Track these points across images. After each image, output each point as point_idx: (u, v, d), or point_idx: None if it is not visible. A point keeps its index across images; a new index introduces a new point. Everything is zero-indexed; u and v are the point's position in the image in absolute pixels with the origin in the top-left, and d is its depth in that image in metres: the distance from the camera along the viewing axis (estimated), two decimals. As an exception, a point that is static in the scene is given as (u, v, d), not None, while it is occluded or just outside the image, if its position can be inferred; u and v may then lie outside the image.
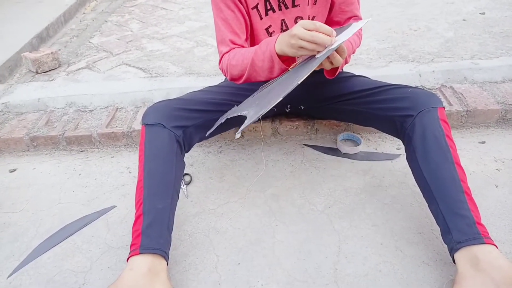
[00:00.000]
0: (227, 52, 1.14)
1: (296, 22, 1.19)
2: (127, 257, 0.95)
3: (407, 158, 1.10)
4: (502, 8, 2.34)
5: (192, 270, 1.04)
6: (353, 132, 1.50)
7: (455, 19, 2.24)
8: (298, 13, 1.18)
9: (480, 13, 2.30)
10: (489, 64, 1.70)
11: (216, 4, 1.13)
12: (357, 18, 1.23)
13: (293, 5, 1.16)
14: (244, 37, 1.17)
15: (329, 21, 1.25)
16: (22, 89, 1.86)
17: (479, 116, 1.49)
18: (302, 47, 0.92)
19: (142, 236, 0.96)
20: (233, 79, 1.15)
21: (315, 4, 1.18)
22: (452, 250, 0.92)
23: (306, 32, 0.89)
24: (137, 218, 0.99)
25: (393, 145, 1.46)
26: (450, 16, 2.29)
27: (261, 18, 1.16)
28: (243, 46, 1.15)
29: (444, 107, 1.07)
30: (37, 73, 2.02)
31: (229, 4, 1.11)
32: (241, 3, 1.13)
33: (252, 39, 1.23)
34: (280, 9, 1.16)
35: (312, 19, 1.20)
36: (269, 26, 1.19)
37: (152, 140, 1.07)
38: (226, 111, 1.24)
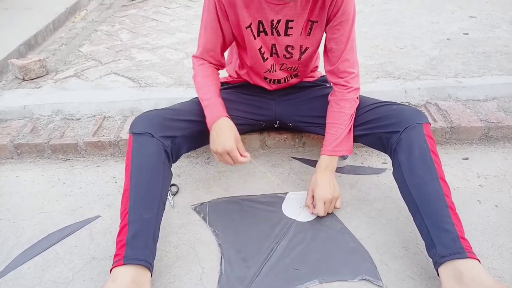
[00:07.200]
0: (197, 57, 1.25)
1: (286, 50, 1.20)
2: (111, 268, 0.94)
3: (393, 173, 1.11)
4: (485, 30, 2.41)
5: (177, 282, 1.02)
6: (340, 146, 1.52)
7: (439, 39, 2.31)
8: (289, 42, 1.19)
9: (463, 34, 2.37)
10: (472, 83, 1.75)
11: (204, 10, 1.18)
12: (348, 63, 1.20)
13: (286, 34, 1.17)
14: (219, 49, 1.22)
15: (325, 58, 1.24)
16: (7, 95, 1.84)
17: (463, 133, 1.53)
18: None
19: (127, 247, 0.94)
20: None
21: (308, 35, 1.18)
22: (436, 264, 0.93)
23: (220, 158, 1.14)
24: (122, 228, 0.97)
25: (380, 160, 1.48)
26: (435, 36, 2.36)
27: (255, 38, 1.17)
28: (213, 57, 1.24)
29: (429, 123, 1.10)
30: (23, 80, 1.99)
31: (214, 18, 1.15)
32: (229, 21, 1.15)
33: (245, 54, 1.24)
34: (272, 34, 1.17)
35: (305, 50, 1.21)
36: (261, 47, 1.20)
37: (139, 149, 1.06)
38: None
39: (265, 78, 1.30)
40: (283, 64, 1.25)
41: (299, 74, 1.32)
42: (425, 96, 1.71)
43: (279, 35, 1.17)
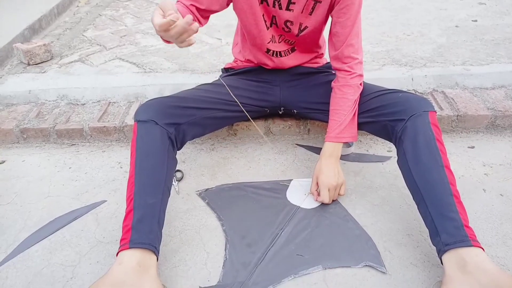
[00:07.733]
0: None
1: (285, 24, 1.20)
2: (117, 251, 0.95)
3: (397, 161, 1.11)
4: (494, 17, 2.37)
5: (182, 267, 1.04)
6: (345, 134, 1.51)
7: (447, 26, 2.27)
8: (289, 17, 1.18)
9: (472, 20, 2.33)
10: (480, 71, 1.73)
11: None
12: (353, 48, 1.19)
13: (287, 8, 1.16)
14: (204, 6, 1.14)
15: (330, 44, 1.23)
16: (12, 80, 1.84)
17: (469, 121, 1.51)
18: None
19: (132, 231, 0.95)
20: None
21: (310, 14, 1.17)
22: (440, 252, 0.93)
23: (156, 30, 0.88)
24: (127, 214, 0.98)
25: (384, 147, 1.47)
26: (443, 22, 2.32)
27: (259, 4, 1.17)
28: (193, 7, 1.14)
29: (435, 111, 1.09)
30: (28, 64, 1.99)
31: None
32: None
33: (249, 23, 1.22)
34: (274, 6, 1.16)
35: (304, 29, 1.20)
36: (263, 15, 1.19)
37: (144, 136, 1.07)
38: (219, 109, 1.25)
39: (268, 51, 1.28)
40: (281, 35, 1.25)
41: (296, 48, 1.31)
42: (432, 83, 1.69)
43: (280, 8, 1.16)
